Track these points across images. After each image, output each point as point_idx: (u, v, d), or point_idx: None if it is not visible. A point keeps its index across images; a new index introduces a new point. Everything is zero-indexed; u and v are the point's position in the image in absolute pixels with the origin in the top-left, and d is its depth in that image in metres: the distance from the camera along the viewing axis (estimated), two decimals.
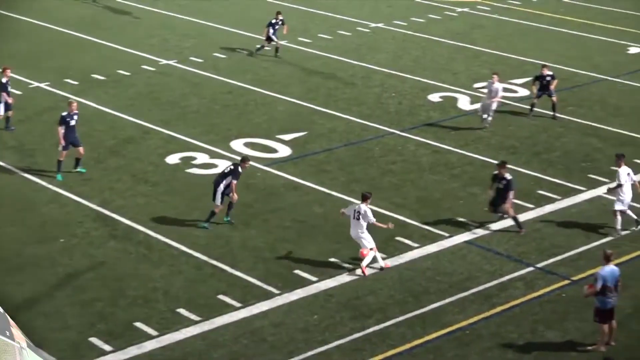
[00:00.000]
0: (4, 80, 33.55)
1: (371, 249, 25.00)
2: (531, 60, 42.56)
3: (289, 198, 29.06)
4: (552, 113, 35.62)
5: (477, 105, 35.36)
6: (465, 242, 26.50)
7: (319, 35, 46.16)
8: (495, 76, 34.30)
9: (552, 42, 45.68)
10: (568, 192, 29.59)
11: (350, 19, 48.77)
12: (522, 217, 27.84)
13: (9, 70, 33.92)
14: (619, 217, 26.89)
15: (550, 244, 26.39)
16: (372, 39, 45.67)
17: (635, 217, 27.32)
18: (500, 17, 50.04)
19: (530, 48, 44.48)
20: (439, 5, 52.02)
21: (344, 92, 38.56)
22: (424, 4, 52.31)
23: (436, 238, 26.67)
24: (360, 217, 24.87)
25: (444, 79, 39.96)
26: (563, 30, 47.73)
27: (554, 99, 35.36)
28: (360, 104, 37.17)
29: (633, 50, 44.35)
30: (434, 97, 37.91)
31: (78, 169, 30.63)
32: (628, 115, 36.02)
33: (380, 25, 47.72)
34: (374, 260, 25.05)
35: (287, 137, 33.64)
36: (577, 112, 36.39)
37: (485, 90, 34.82)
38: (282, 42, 44.17)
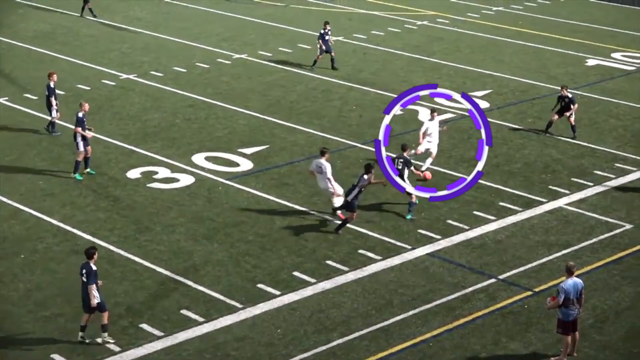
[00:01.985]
0: (51, 84, 34.44)
1: (341, 195, 27.90)
2: (490, 72, 42.82)
3: (251, 212, 29.02)
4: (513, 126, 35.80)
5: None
6: (428, 254, 26.59)
7: (280, 48, 46.19)
8: (434, 114, 32.56)
9: (511, 55, 45.99)
10: (529, 204, 29.76)
11: (310, 32, 48.83)
12: (484, 228, 28.02)
13: (55, 75, 34.84)
14: None
15: (512, 256, 26.53)
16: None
17: None
18: (459, 30, 50.32)
19: (489, 60, 44.76)
20: (399, 18, 52.24)
21: (305, 105, 38.60)
22: (383, 17, 52.50)
23: (399, 250, 26.73)
24: (320, 170, 28.09)
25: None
26: (522, 42, 48.08)
27: (572, 120, 35.24)
28: (321, 117, 37.22)
29: (591, 62, 44.74)
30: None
31: (88, 170, 31.40)
32: (586, 126, 36.31)
33: (340, 38, 47.83)
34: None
35: (249, 150, 33.61)
36: (536, 123, 36.62)
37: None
38: (243, 56, 44.20)
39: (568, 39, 48.41)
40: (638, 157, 33.44)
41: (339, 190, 28.34)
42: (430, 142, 31.80)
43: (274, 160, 32.89)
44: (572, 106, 34.77)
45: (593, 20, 52.31)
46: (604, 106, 38.06)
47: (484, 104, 38.52)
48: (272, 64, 43.94)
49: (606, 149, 34.18)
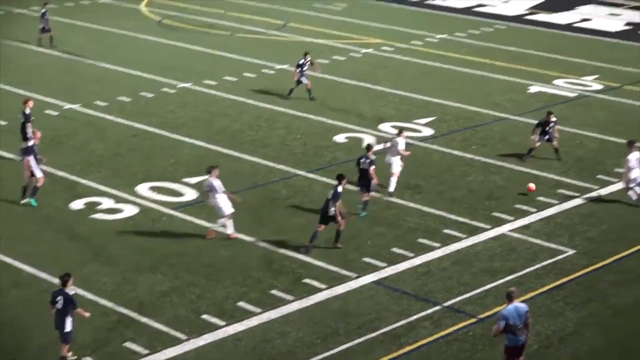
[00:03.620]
0: (27, 111, 35.01)
1: (227, 216, 28.68)
2: (435, 100, 43.06)
3: (196, 242, 28.89)
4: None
5: (381, 146, 35.24)
6: (373, 282, 26.61)
7: (225, 77, 46.14)
8: (404, 132, 33.40)
9: (455, 82, 46.30)
10: (473, 231, 29.90)
11: (255, 60, 48.87)
12: (429, 256, 28.09)
13: (30, 102, 35.56)
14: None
15: (457, 282, 26.62)
16: (278, 80, 45.78)
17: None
18: (404, 58, 50.60)
19: (433, 88, 45.02)
20: (343, 46, 52.42)
21: (250, 134, 38.55)
22: (328, 45, 52.66)
23: (344, 279, 26.72)
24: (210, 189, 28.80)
25: (349, 119, 40.20)
26: (466, 70, 48.43)
27: (555, 144, 35.64)
28: (266, 145, 37.19)
29: (533, 89, 45.15)
30: (340, 138, 38.09)
31: (29, 200, 31.29)
32: (530, 152, 36.53)
33: (285, 67, 47.89)
34: (224, 226, 28.70)
35: (193, 180, 33.48)
36: (480, 150, 36.87)
37: (388, 145, 33.74)
38: (188, 85, 44.16)
39: (511, 66, 48.84)
40: (580, 183, 33.74)
41: (227, 210, 28.81)
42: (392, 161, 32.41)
43: None
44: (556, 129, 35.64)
45: (535, 47, 52.80)
46: None
47: (428, 131, 38.72)
48: (217, 93, 43.88)
49: (549, 175, 34.46)
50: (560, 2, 64.20)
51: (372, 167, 30.62)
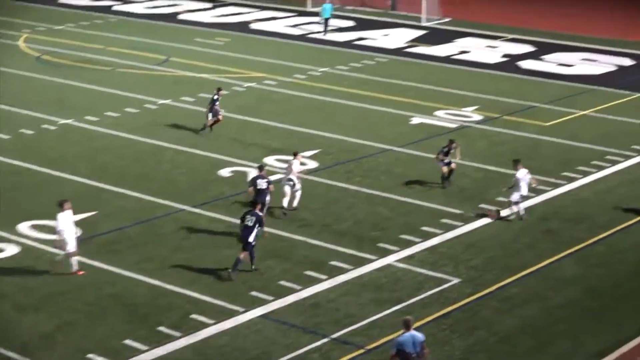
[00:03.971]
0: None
1: (72, 253, 28.46)
2: (320, 132, 43.25)
3: (79, 279, 28.42)
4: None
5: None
6: (261, 316, 26.50)
7: (106, 113, 45.61)
8: (298, 155, 34.96)
9: (338, 115, 46.58)
10: (360, 262, 30.05)
11: (137, 95, 48.48)
12: (316, 288, 28.14)
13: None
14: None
15: (344, 314, 26.68)
16: (161, 115, 45.50)
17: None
18: (287, 91, 50.76)
19: (318, 121, 45.20)
20: (227, 80, 52.33)
21: (133, 169, 38.17)
22: (210, 79, 52.51)
23: (232, 313, 26.57)
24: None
25: (234, 153, 40.10)
26: (349, 102, 48.78)
27: (453, 166, 36.54)
28: (150, 180, 36.87)
29: (415, 120, 45.68)
30: (225, 172, 37.98)
31: None
32: (415, 183, 36.92)
33: (168, 101, 47.63)
34: (68, 261, 28.50)
35: (76, 217, 32.91)
36: (364, 182, 37.13)
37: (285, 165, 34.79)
38: (69, 121, 43.60)
39: (393, 98, 49.36)
40: (464, 213, 34.21)
41: (71, 247, 28.67)
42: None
43: (102, 227, 32.35)
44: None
45: (417, 79, 53.49)
46: (430, 163, 38.74)
47: (313, 164, 38.86)
48: (99, 129, 43.35)
49: (433, 205, 34.87)
50: (439, 35, 65.27)
51: (271, 186, 32.44)
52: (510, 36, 65.45)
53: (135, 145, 41.32)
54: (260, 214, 29.38)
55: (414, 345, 21.35)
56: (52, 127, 43.36)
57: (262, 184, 32.27)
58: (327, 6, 65.43)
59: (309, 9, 73.30)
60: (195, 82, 52.18)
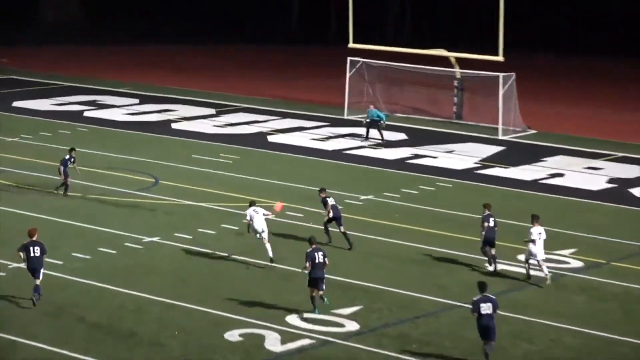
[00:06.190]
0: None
1: None
2: (361, 282, 43.18)
3: None
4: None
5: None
6: None
7: (74, 254, 45.71)
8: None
9: (387, 259, 46.59)
10: None
11: (116, 231, 48.68)
12: None
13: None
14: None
15: None
16: (146, 257, 45.60)
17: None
18: (319, 227, 50.84)
19: (358, 266, 45.21)
20: (234, 211, 52.58)
21: (112, 331, 38.04)
22: (213, 209, 52.78)
23: None
24: None
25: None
26: (400, 242, 48.82)
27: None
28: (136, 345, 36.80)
29: (490, 266, 45.65)
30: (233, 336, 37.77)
31: None
32: None
33: (156, 239, 47.76)
34: None
35: None
36: (422, 350, 36.98)
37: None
38: (21, 265, 43.84)
39: (460, 236, 49.38)
40: None
41: None
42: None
43: None
44: None
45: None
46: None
47: (352, 325, 38.69)
48: (63, 275, 43.38)
49: None
50: (521, 152, 65.72)
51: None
52: (620, 154, 65.70)
53: (110, 297, 41.08)
54: None
55: None
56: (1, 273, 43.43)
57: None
58: (373, 112, 66.39)
59: (346, 116, 73.97)
60: (192, 214, 52.42)
